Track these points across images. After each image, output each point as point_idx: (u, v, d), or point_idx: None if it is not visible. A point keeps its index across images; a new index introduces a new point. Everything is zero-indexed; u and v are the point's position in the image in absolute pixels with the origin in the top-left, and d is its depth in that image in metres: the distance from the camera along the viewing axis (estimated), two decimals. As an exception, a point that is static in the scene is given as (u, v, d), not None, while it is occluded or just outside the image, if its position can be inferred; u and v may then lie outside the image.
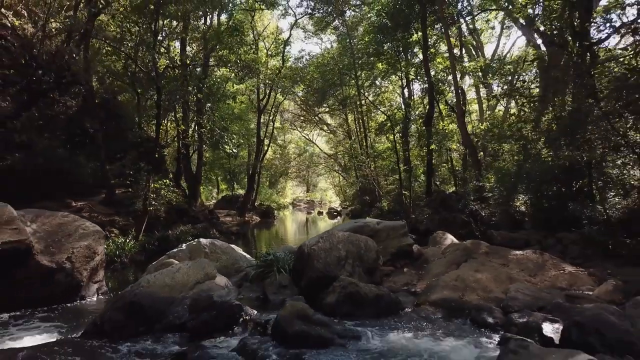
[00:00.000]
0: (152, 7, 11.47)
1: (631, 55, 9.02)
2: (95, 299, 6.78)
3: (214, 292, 4.79)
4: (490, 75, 21.13)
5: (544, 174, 10.30)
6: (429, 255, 6.93)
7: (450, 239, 8.28)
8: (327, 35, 28.50)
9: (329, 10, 24.28)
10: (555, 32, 13.13)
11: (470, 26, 21.43)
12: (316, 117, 33.50)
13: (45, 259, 6.30)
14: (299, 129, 36.03)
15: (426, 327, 4.13)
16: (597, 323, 3.12)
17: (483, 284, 5.11)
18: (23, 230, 6.12)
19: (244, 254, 7.29)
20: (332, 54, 25.45)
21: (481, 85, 22.01)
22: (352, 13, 25.15)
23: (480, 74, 22.48)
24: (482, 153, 17.27)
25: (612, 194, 10.19)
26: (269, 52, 23.55)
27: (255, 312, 4.55)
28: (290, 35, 24.04)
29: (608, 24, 10.41)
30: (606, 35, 10.74)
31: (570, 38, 11.65)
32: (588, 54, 10.33)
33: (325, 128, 35.76)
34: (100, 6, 11.40)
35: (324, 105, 30.09)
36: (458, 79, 18.37)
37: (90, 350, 3.81)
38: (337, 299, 4.51)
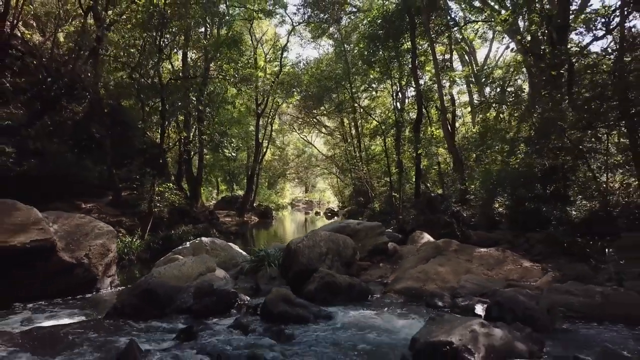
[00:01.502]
0: (156, 22, 12.36)
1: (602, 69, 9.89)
2: (108, 291, 7.61)
3: (214, 282, 5.69)
4: (482, 80, 22.05)
5: (517, 178, 11.20)
6: (404, 252, 7.83)
7: (427, 237, 9.17)
8: (324, 40, 29.38)
9: (325, 17, 25.08)
10: (535, 43, 14.03)
11: (463, 32, 22.16)
12: (314, 119, 34.33)
13: (66, 255, 7.16)
14: (297, 130, 36.88)
15: (388, 310, 5.03)
16: (510, 302, 4.04)
17: (442, 275, 6.02)
18: (48, 230, 7.00)
19: (241, 251, 8.21)
20: (328, 61, 26.28)
21: (474, 90, 22.84)
22: (348, 21, 25.93)
23: (473, 78, 23.38)
24: (474, 155, 18.14)
25: (580, 197, 11.15)
26: (267, 58, 24.48)
27: (248, 298, 5.46)
28: (288, 41, 24.96)
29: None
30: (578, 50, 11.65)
31: (547, 50, 12.54)
32: (566, 65, 11.19)
33: (324, 130, 36.61)
34: (107, 23, 12.29)
35: (321, 108, 30.96)
36: (447, 86, 19.28)
37: (115, 327, 4.70)
38: (316, 287, 5.42)
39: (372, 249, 7.41)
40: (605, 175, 10.83)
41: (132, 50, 12.62)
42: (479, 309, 4.45)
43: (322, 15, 24.90)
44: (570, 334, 3.92)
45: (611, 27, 10.67)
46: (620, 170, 10.47)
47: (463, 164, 15.37)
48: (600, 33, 11.18)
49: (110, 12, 13.05)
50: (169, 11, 12.45)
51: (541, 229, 9.54)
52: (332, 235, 6.48)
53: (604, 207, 9.51)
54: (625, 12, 8.85)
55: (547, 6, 13.28)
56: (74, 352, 3.99)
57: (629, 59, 8.42)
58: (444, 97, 18.78)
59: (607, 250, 6.98)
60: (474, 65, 24.97)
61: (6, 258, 6.25)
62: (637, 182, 9.56)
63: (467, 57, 25.05)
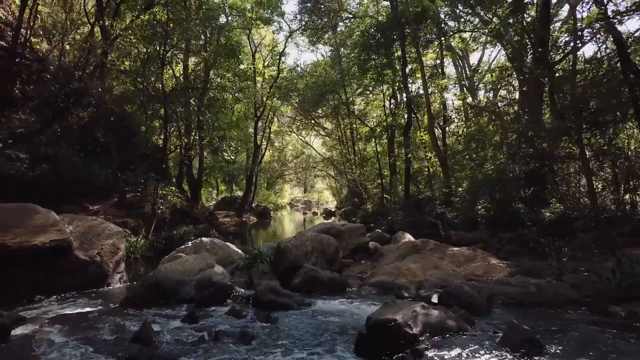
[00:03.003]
0: (158, 35, 13.21)
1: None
2: (118, 285, 8.41)
3: (213, 276, 6.54)
4: (474, 85, 22.80)
5: (497, 182, 12.01)
6: (384, 251, 8.68)
7: (408, 237, 10.01)
8: (320, 44, 30.14)
9: (322, 24, 25.78)
10: (518, 54, 14.80)
11: (454, 39, 22.88)
12: (312, 121, 35.10)
13: (81, 254, 7.95)
14: (295, 131, 37.65)
15: (361, 299, 5.89)
16: (456, 291, 4.90)
17: (413, 271, 6.86)
18: (64, 230, 7.81)
19: (237, 249, 9.08)
20: (324, 66, 27.05)
21: (467, 94, 23.58)
22: (344, 28, 26.66)
23: (466, 82, 24.10)
24: (465, 159, 18.92)
25: (554, 199, 11.97)
26: (266, 63, 25.32)
27: (243, 290, 6.32)
28: (285, 47, 25.79)
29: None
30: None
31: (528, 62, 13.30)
32: (546, 76, 11.96)
33: (322, 131, 37.40)
34: (113, 37, 13.12)
35: (318, 111, 31.73)
36: (437, 92, 20.09)
37: (128, 314, 5.55)
38: (301, 280, 6.27)
39: (355, 248, 8.27)
40: (579, 179, 11.67)
41: (137, 63, 13.45)
42: (435, 298, 5.29)
43: (319, 21, 25.67)
44: (502, 316, 4.77)
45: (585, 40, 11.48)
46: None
47: (449, 168, 16.19)
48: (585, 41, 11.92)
49: (115, 25, 13.86)
50: (171, 25, 13.29)
51: (518, 229, 10.31)
52: (317, 236, 7.33)
53: (573, 209, 10.37)
54: (581, 36, 9.63)
55: (534, 13, 14.00)
56: (97, 333, 4.84)
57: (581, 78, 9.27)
58: (435, 103, 19.62)
59: (563, 249, 7.82)
60: (467, 69, 25.75)
61: (28, 256, 7.08)
62: (601, 186, 10.41)
63: (460, 62, 25.83)
